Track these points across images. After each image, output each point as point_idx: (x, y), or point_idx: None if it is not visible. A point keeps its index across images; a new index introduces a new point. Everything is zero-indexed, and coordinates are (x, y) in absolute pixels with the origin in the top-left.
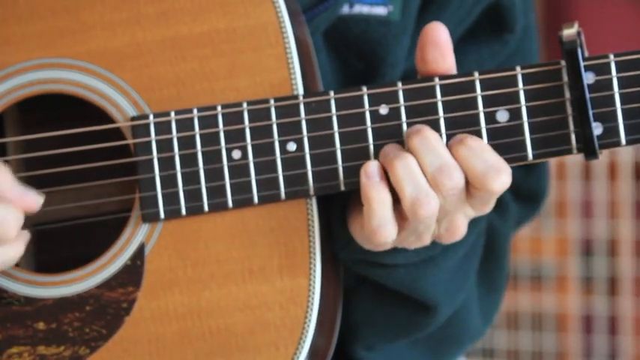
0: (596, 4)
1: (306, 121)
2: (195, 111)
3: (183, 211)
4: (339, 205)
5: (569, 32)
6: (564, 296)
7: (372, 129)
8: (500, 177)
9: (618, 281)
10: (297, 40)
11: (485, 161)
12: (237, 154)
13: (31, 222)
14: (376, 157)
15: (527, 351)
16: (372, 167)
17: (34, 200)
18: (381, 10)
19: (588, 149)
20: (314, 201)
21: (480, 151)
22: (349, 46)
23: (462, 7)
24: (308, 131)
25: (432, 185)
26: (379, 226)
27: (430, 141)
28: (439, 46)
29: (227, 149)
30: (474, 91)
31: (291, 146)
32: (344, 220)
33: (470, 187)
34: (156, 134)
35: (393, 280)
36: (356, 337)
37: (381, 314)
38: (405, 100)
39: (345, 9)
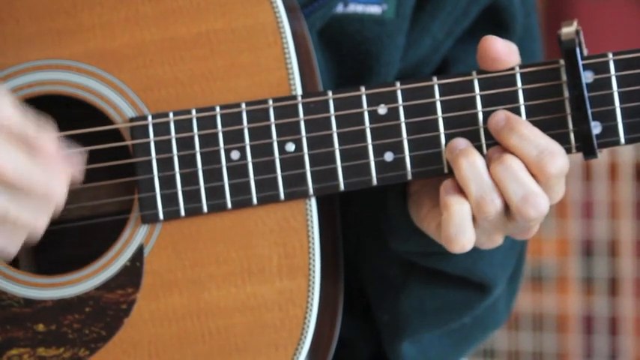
0: (595, 3)
1: (305, 121)
2: (193, 112)
3: (182, 212)
4: (397, 199)
5: (567, 31)
6: (565, 297)
7: (371, 129)
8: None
9: (619, 282)
10: (296, 38)
11: (538, 146)
12: (235, 155)
13: None
14: (375, 156)
15: (527, 352)
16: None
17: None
18: (375, 9)
19: (587, 148)
20: (313, 201)
21: (533, 136)
22: (343, 45)
23: (458, 6)
24: (307, 131)
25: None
26: (456, 234)
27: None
28: (498, 60)
29: (226, 150)
30: (473, 90)
31: (290, 147)
32: (404, 213)
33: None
34: (154, 135)
35: (453, 265)
36: (405, 331)
37: (433, 300)
38: (403, 100)
39: (340, 8)
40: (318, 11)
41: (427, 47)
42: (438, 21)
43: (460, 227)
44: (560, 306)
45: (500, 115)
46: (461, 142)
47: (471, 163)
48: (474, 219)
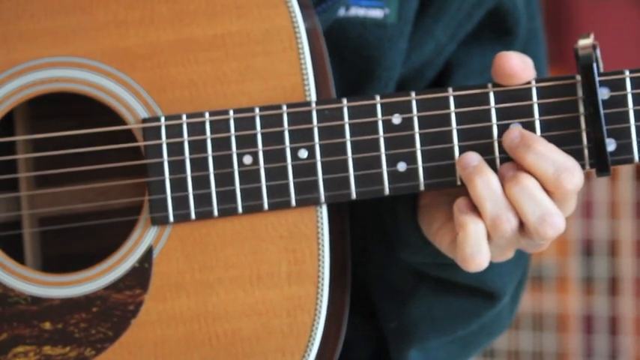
0: (595, 3)
1: (319, 128)
2: (206, 115)
3: (193, 215)
4: (407, 211)
5: (584, 44)
6: (565, 296)
7: (385, 138)
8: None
9: (619, 281)
10: (310, 41)
11: (554, 163)
12: (248, 160)
13: (38, 220)
14: (388, 165)
15: (527, 351)
16: (462, 201)
17: None
18: (377, 13)
19: (601, 165)
20: (324, 208)
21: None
22: (345, 49)
23: (461, 10)
24: (320, 139)
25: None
26: (473, 254)
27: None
28: (513, 76)
29: (238, 154)
30: (488, 103)
31: (303, 153)
32: (415, 226)
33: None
34: (167, 137)
35: (464, 275)
36: (412, 338)
37: (442, 308)
38: (418, 111)
39: (342, 12)
40: (321, 15)
41: (430, 51)
42: (441, 24)
43: (476, 247)
44: (560, 306)
45: (515, 132)
46: (473, 158)
47: (485, 182)
48: (488, 236)
